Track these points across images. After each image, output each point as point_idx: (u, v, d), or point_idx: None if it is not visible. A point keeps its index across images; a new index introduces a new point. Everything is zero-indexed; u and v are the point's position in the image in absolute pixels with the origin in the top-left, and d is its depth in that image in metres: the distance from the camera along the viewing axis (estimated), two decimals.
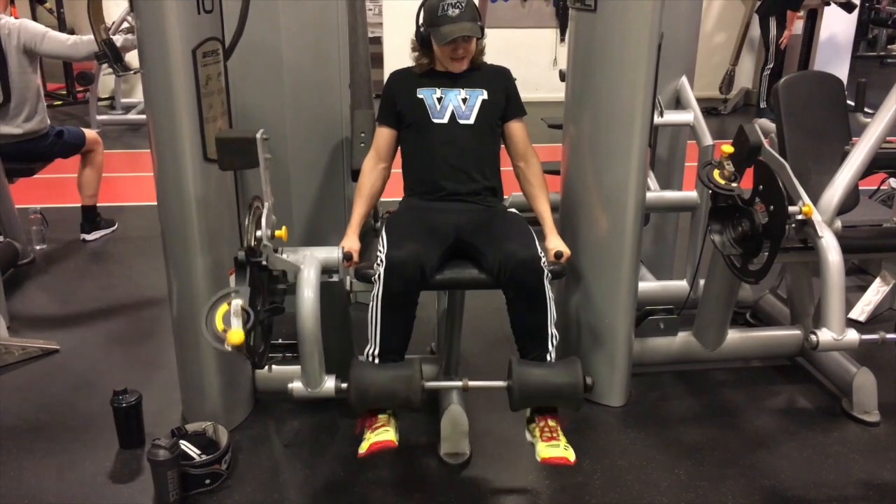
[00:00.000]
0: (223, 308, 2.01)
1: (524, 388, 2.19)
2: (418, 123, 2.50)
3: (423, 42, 2.49)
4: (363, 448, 2.19)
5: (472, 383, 2.28)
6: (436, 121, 2.48)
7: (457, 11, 2.39)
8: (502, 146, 2.60)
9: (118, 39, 4.12)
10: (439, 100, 2.49)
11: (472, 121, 2.49)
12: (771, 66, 7.47)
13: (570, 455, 2.17)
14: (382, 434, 2.19)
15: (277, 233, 2.17)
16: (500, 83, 2.56)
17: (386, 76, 2.61)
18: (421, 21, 2.47)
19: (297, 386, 2.24)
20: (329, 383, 2.24)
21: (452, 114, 2.48)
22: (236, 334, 1.95)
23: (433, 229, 2.38)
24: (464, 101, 2.49)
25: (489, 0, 8.00)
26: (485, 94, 2.50)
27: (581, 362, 2.22)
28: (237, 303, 1.99)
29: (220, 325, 2.01)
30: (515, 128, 2.58)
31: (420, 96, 2.49)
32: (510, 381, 2.21)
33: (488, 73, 2.56)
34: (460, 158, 2.48)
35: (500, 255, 2.26)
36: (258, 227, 2.13)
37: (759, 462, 2.53)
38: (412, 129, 2.52)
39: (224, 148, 2.13)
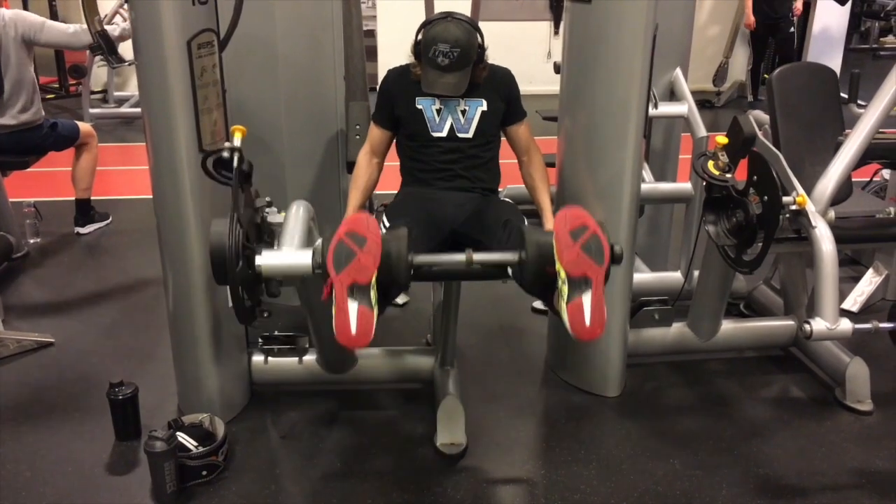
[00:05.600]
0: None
1: (541, 254, 1.89)
2: (417, 135, 2.48)
3: (417, 56, 2.42)
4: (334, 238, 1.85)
5: (477, 256, 2.00)
6: (434, 134, 2.46)
7: (446, 61, 2.31)
8: (504, 140, 2.60)
9: (115, 29, 4.11)
10: (438, 111, 2.45)
11: (470, 134, 2.46)
12: (765, 62, 7.53)
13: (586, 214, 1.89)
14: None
15: (281, 214, 2.18)
16: (500, 90, 2.50)
17: (380, 69, 2.61)
18: (417, 39, 2.40)
19: (266, 256, 1.98)
20: (305, 256, 1.98)
21: (451, 127, 2.45)
22: (240, 127, 1.95)
23: (430, 220, 2.39)
24: (463, 112, 2.45)
25: None
26: (484, 105, 2.46)
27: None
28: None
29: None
30: (517, 131, 2.56)
31: (419, 107, 2.45)
32: (522, 250, 1.94)
33: (489, 80, 2.49)
34: (458, 165, 2.48)
35: (496, 234, 2.28)
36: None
37: (753, 451, 2.55)
38: (410, 139, 2.51)
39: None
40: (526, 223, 2.35)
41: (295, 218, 2.18)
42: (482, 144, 2.49)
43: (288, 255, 2.01)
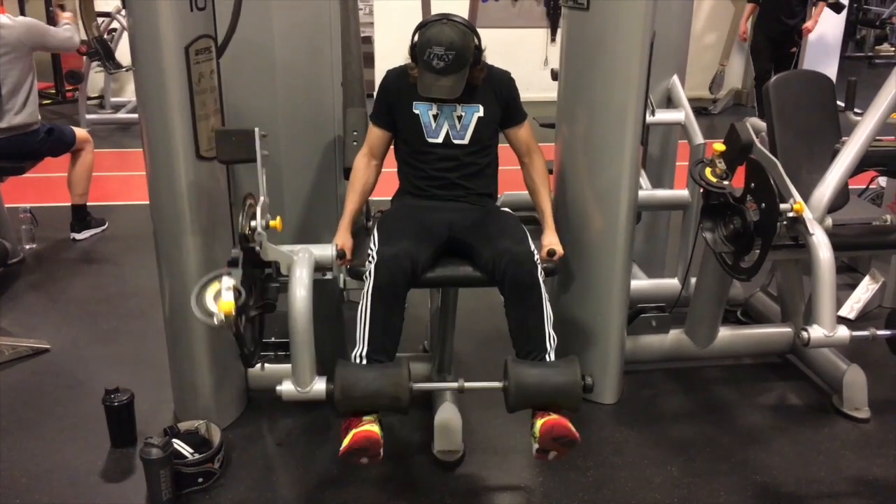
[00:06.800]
0: (214, 286, 2.01)
1: (521, 389, 2.14)
2: (413, 140, 2.48)
3: (414, 58, 2.41)
4: (345, 443, 2.10)
5: (468, 385, 2.22)
6: (430, 140, 2.46)
7: (441, 64, 2.29)
8: (505, 145, 2.60)
9: (67, 30, 4.13)
10: (435, 117, 2.44)
11: (466, 141, 2.46)
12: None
13: (572, 429, 2.10)
14: (366, 426, 2.10)
15: (272, 223, 2.17)
16: (498, 93, 2.49)
17: (377, 76, 2.59)
18: (413, 42, 2.38)
19: (286, 388, 2.18)
20: (319, 385, 2.17)
21: (447, 134, 2.45)
22: (227, 304, 1.94)
23: (426, 227, 2.38)
24: (459, 118, 2.44)
25: (480, 0, 8.00)
26: (480, 111, 2.46)
27: (580, 361, 2.18)
28: (228, 279, 1.99)
29: (210, 303, 2.00)
30: (517, 133, 2.55)
31: (416, 112, 2.45)
32: (506, 381, 2.15)
33: (487, 83, 2.47)
34: (454, 173, 2.48)
35: (493, 251, 2.27)
36: (253, 218, 2.12)
37: (750, 458, 2.55)
38: (407, 143, 2.51)
39: (224, 140, 2.14)
40: (527, 235, 2.36)
41: (301, 335, 2.16)
42: (478, 151, 2.48)
43: (305, 389, 2.18)
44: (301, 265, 2.19)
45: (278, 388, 2.18)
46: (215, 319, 1.99)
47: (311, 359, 2.18)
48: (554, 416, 2.11)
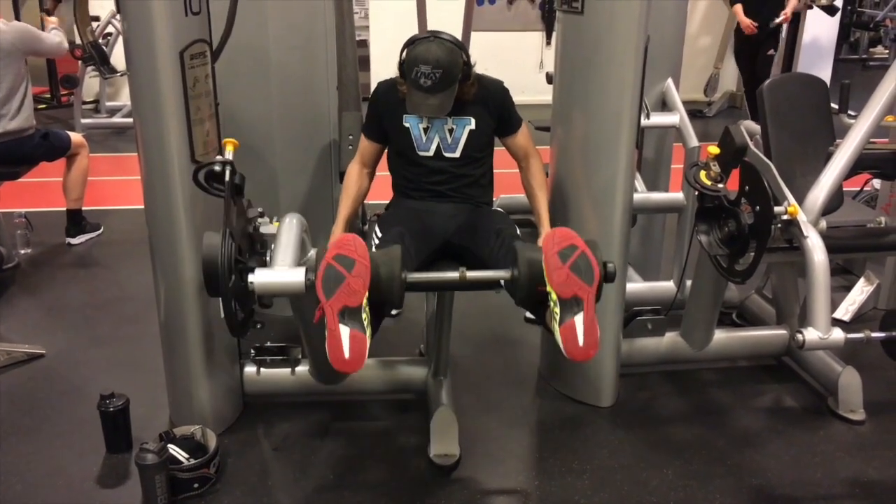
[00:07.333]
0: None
1: (534, 269, 1.91)
2: (404, 153, 2.48)
3: (403, 75, 2.38)
4: (325, 257, 1.86)
5: (470, 274, 2.03)
6: (421, 153, 2.45)
7: (429, 82, 2.26)
8: (501, 149, 2.60)
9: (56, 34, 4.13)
10: (425, 130, 2.43)
11: (457, 154, 2.46)
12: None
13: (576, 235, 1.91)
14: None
15: (275, 223, 2.18)
16: (490, 105, 2.47)
17: (372, 79, 2.60)
18: (401, 59, 2.36)
19: (259, 274, 1.98)
20: (298, 274, 1.96)
21: (438, 146, 2.44)
22: (230, 139, 1.92)
23: (424, 231, 2.39)
24: (450, 132, 2.44)
25: (476, 3, 8.01)
26: (472, 124, 2.44)
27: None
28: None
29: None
30: (514, 141, 2.55)
31: (406, 125, 2.44)
32: (514, 269, 1.97)
33: (479, 95, 2.45)
34: (446, 185, 2.48)
35: (486, 247, 2.28)
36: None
37: (746, 461, 2.55)
38: (399, 155, 2.51)
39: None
40: (518, 232, 2.36)
41: (287, 232, 2.16)
42: (469, 163, 2.48)
43: (280, 273, 2.02)
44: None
45: (250, 276, 1.97)
46: (217, 156, 1.94)
47: (296, 245, 2.06)
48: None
